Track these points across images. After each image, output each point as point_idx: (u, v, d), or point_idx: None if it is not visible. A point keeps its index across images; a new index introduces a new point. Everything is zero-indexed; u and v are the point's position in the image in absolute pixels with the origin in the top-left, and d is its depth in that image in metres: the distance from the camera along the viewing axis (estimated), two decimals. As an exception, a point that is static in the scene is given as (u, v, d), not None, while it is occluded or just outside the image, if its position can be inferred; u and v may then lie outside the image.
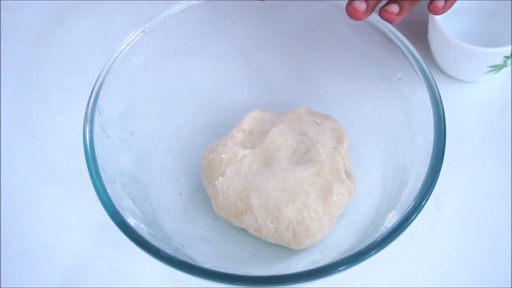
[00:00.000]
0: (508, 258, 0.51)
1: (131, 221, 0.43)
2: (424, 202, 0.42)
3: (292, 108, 0.55)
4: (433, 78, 0.47)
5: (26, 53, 0.67)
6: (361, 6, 0.44)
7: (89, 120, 0.46)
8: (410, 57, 0.48)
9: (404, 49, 0.49)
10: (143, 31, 0.52)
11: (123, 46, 0.50)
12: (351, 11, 0.44)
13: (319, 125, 0.52)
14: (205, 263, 0.43)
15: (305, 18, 0.55)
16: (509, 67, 0.60)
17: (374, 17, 0.51)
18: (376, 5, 0.45)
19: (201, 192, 0.53)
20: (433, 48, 0.61)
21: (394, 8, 0.45)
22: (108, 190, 0.43)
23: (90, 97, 0.47)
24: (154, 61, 0.53)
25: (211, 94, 0.57)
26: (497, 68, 0.58)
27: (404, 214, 0.41)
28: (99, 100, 0.47)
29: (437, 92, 0.46)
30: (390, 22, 0.46)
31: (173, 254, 0.41)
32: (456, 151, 0.56)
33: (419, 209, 0.41)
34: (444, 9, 0.46)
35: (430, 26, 0.60)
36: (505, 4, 0.61)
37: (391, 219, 0.43)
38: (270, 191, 0.48)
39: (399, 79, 0.50)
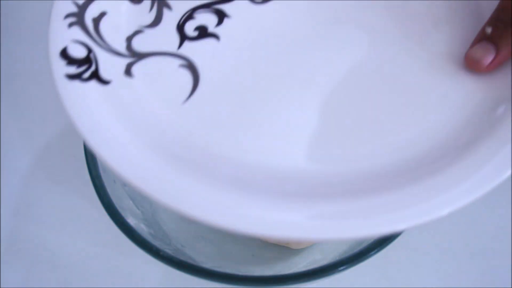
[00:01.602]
0: (508, 258, 0.51)
1: (131, 221, 0.43)
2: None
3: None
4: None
5: (26, 53, 0.67)
6: (486, 57, 0.35)
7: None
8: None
9: None
10: None
11: None
12: (470, 62, 0.36)
13: None
14: (205, 263, 0.43)
15: None
16: (509, 67, 0.60)
17: None
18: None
19: (201, 192, 0.53)
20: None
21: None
22: (108, 190, 0.43)
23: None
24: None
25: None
26: (497, 68, 0.58)
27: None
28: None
29: None
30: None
31: (173, 254, 0.41)
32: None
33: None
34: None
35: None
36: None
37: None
38: None
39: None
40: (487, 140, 0.34)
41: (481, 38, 0.36)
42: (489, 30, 0.35)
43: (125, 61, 0.38)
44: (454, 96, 0.36)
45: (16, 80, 0.65)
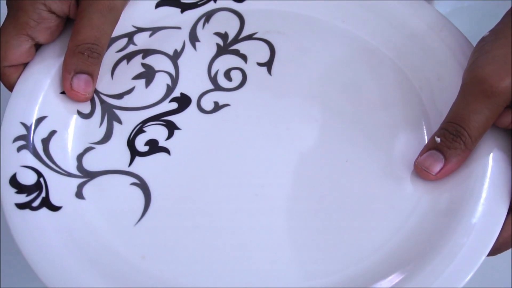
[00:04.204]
0: (508, 258, 0.51)
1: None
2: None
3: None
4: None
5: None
6: (435, 167, 0.37)
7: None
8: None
9: None
10: None
11: None
12: (419, 170, 0.37)
13: None
14: None
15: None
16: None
17: None
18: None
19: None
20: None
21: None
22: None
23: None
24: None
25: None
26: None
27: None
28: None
29: None
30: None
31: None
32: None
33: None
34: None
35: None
36: (505, 5, 0.60)
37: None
38: None
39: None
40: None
41: (431, 147, 0.37)
42: (438, 140, 0.37)
43: (76, 182, 0.38)
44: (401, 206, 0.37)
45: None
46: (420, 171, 0.37)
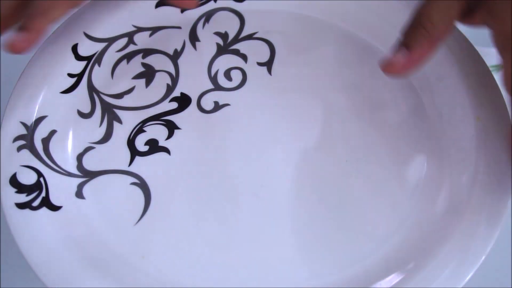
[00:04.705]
0: (508, 258, 0.51)
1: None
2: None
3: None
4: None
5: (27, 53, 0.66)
6: (398, 58, 0.34)
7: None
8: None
9: None
10: None
11: None
12: (385, 67, 0.35)
13: None
14: None
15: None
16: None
17: None
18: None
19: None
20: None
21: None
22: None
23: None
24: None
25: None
26: (497, 68, 0.57)
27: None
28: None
29: None
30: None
31: None
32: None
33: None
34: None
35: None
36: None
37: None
38: None
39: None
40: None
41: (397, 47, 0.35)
42: (401, 37, 0.35)
43: (76, 182, 0.38)
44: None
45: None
46: (386, 67, 0.34)
